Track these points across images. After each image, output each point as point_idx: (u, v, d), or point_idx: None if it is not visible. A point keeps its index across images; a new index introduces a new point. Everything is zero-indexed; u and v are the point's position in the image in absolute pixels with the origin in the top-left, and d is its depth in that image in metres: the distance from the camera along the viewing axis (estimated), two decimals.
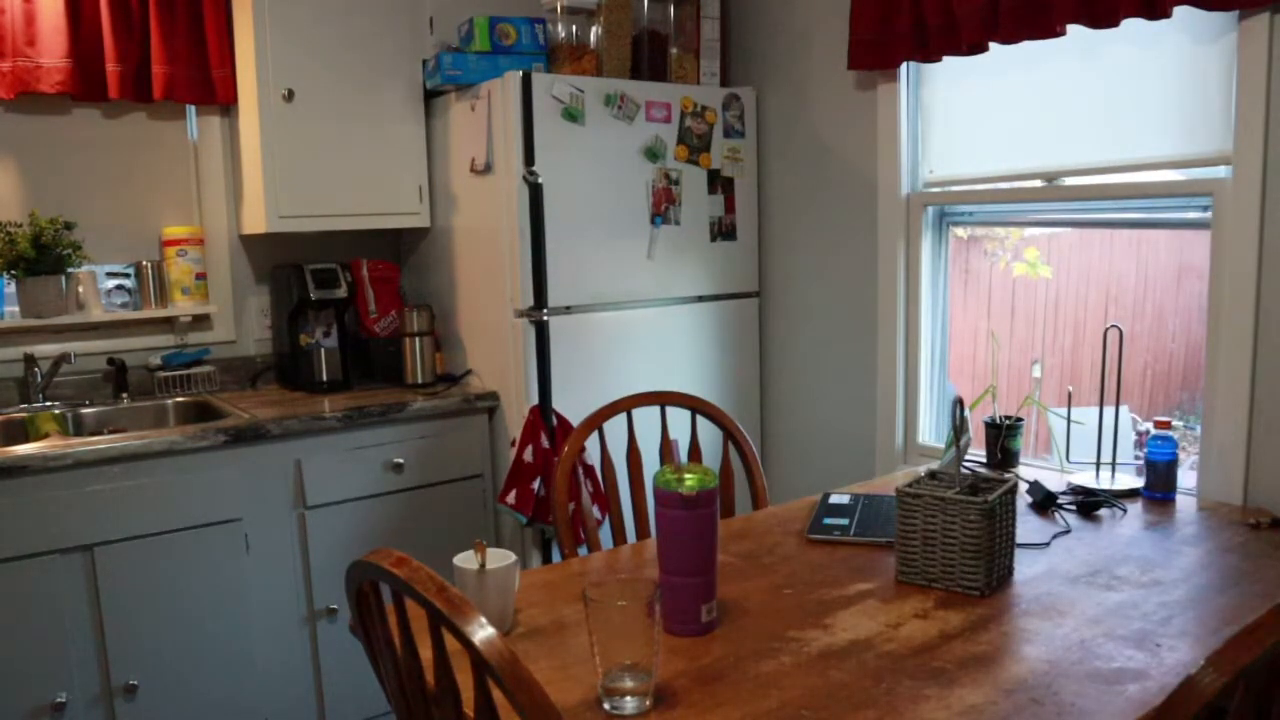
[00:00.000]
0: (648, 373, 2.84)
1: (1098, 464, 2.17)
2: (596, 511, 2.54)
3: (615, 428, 2.16)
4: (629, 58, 2.84)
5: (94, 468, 2.24)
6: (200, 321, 2.95)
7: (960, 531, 1.55)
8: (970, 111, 2.56)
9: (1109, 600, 1.53)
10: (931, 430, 2.76)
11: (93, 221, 2.79)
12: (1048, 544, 1.80)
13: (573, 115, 2.67)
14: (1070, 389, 2.29)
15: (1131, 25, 2.07)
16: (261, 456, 2.46)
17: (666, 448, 2.17)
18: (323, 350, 2.90)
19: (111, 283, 2.82)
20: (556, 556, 2.69)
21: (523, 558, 2.70)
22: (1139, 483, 2.10)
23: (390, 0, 2.82)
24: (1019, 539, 1.77)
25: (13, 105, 2.66)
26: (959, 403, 1.91)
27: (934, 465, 1.94)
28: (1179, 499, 2.04)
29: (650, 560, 1.79)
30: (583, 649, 1.34)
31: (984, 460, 2.34)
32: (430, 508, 2.72)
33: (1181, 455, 2.10)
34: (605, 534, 2.57)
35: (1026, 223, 2.65)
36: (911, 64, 2.63)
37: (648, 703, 1.21)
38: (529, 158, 2.60)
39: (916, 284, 2.71)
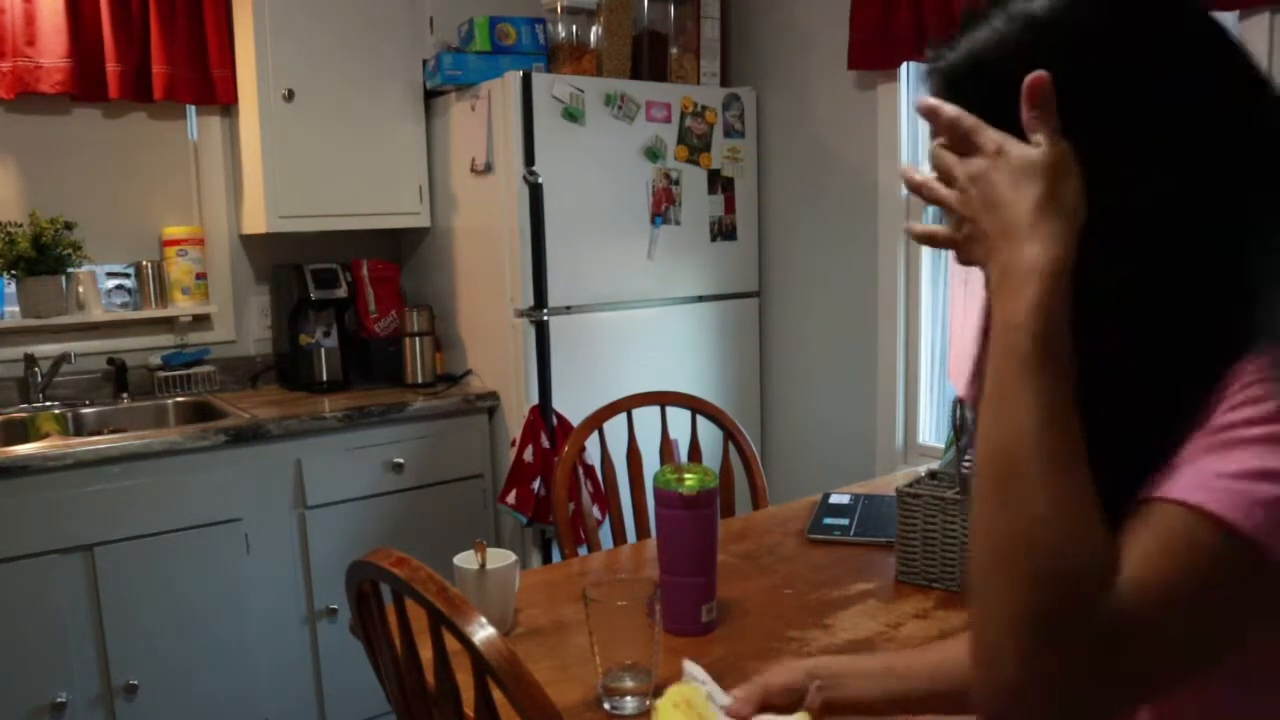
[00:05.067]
0: (648, 373, 2.84)
1: None
2: (596, 511, 2.54)
3: (615, 428, 2.16)
4: (629, 58, 2.84)
5: (94, 468, 2.24)
6: (200, 321, 2.95)
7: (960, 531, 1.55)
8: None
9: None
10: (931, 430, 2.76)
11: (93, 221, 2.79)
12: None
13: (573, 115, 2.67)
14: None
15: None
16: (261, 456, 2.46)
17: (666, 448, 2.17)
18: (323, 350, 2.90)
19: (111, 283, 2.82)
20: (556, 556, 2.69)
21: (523, 558, 2.70)
22: None
23: (390, 0, 2.82)
24: None
25: (13, 105, 2.66)
26: (959, 403, 1.91)
27: (934, 465, 1.94)
28: None
29: (650, 560, 1.79)
30: (583, 649, 1.34)
31: None
32: (430, 508, 2.72)
33: None
34: (605, 534, 2.57)
35: None
36: (911, 64, 2.63)
37: (648, 703, 1.21)
38: (529, 158, 2.60)
39: (916, 284, 2.71)
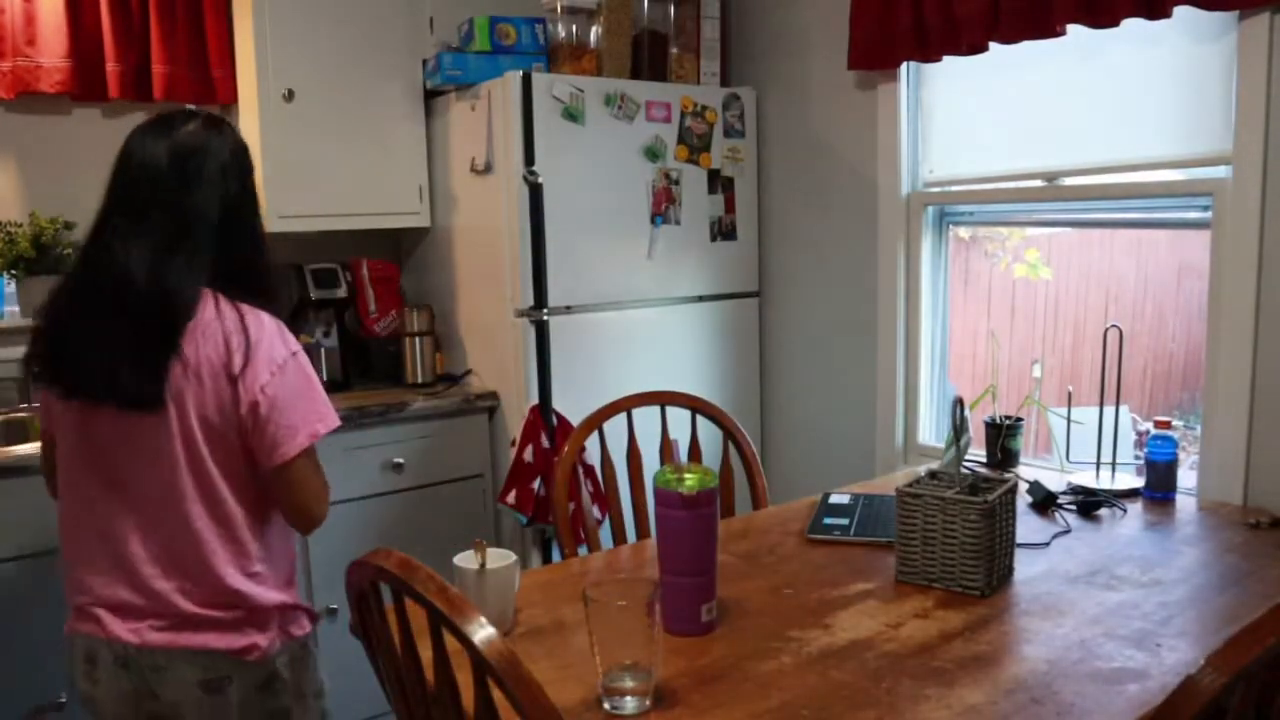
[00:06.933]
0: (648, 373, 2.84)
1: (1098, 464, 2.17)
2: (596, 511, 2.54)
3: (615, 428, 2.16)
4: (629, 58, 2.84)
5: None
6: None
7: (960, 531, 1.55)
8: (970, 111, 2.56)
9: (1109, 600, 1.53)
10: (931, 430, 2.76)
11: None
12: (1048, 544, 1.80)
13: (573, 115, 2.67)
14: (1070, 389, 2.29)
15: (1131, 25, 2.07)
16: None
17: (666, 448, 2.17)
18: (323, 350, 2.90)
19: None
20: (556, 556, 2.69)
21: (523, 558, 2.70)
22: (1139, 483, 2.10)
23: (390, 0, 2.82)
24: (1019, 539, 1.77)
25: (13, 105, 2.66)
26: (959, 403, 1.91)
27: (934, 465, 1.94)
28: (1179, 499, 2.04)
29: (650, 560, 1.79)
30: (583, 649, 1.34)
31: (984, 460, 2.34)
32: (430, 508, 2.72)
33: (1181, 455, 2.10)
34: (605, 534, 2.57)
35: (1027, 223, 2.65)
36: (911, 64, 2.63)
37: (648, 703, 1.21)
38: (529, 158, 2.60)
39: (916, 284, 2.71)
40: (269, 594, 1.54)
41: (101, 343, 1.43)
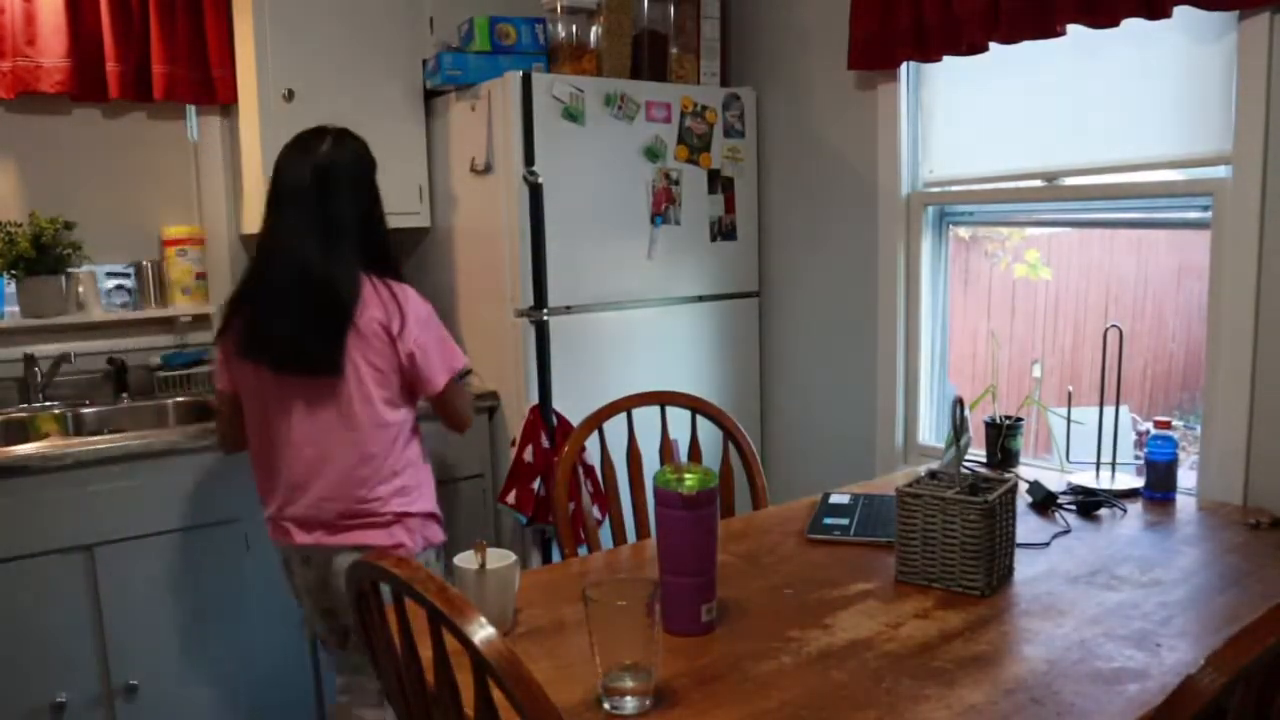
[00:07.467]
0: (648, 373, 2.84)
1: (1098, 464, 2.17)
2: (596, 511, 2.54)
3: (615, 428, 2.16)
4: (629, 58, 2.84)
5: (94, 468, 2.24)
6: (200, 321, 2.95)
7: (960, 531, 1.55)
8: (970, 111, 2.56)
9: (1109, 600, 1.53)
10: (931, 430, 2.76)
11: (93, 221, 2.79)
12: (1048, 544, 1.80)
13: (573, 115, 2.67)
14: (1070, 389, 2.29)
15: (1131, 25, 2.07)
16: None
17: (666, 448, 2.17)
18: None
19: (111, 282, 2.81)
20: (556, 556, 2.69)
21: (523, 558, 2.69)
22: (1139, 483, 2.10)
23: (390, 0, 2.82)
24: (1019, 539, 1.77)
25: (13, 105, 2.66)
26: (959, 403, 1.91)
27: (934, 465, 1.94)
28: (1179, 499, 2.04)
29: (650, 560, 1.79)
30: (583, 649, 1.34)
31: (984, 460, 2.34)
32: None
33: (1181, 455, 2.10)
34: (605, 534, 2.57)
35: (1026, 223, 2.65)
36: (911, 64, 2.63)
37: (648, 702, 1.21)
38: (529, 158, 2.60)
39: (916, 284, 2.71)
40: (413, 505, 2.01)
41: (293, 325, 1.90)
